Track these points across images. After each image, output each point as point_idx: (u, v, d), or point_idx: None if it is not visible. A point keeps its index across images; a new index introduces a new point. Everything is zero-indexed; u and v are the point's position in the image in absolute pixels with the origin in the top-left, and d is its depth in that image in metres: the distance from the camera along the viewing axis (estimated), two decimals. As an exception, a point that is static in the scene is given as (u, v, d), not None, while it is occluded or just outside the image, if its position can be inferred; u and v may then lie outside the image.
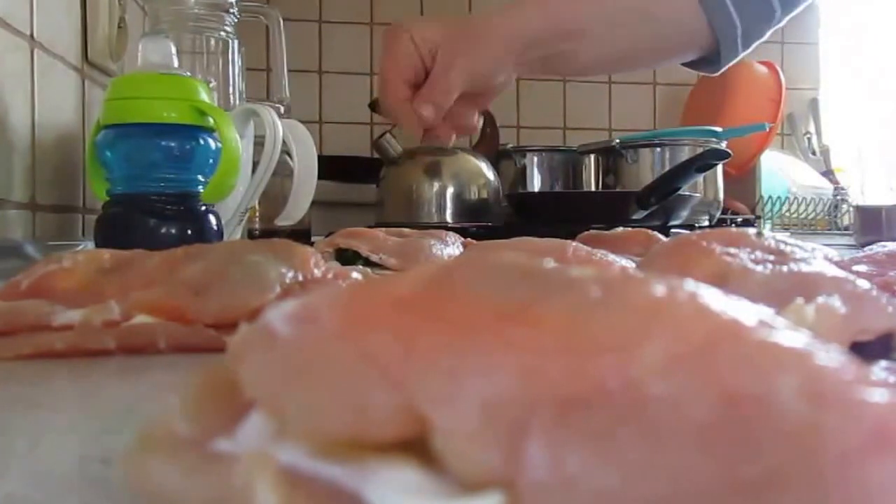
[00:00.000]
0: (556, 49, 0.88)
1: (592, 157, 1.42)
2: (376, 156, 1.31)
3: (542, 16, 0.87)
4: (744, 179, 1.62)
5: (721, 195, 1.42)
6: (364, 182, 1.37)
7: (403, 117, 0.87)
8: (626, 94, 1.78)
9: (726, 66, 0.96)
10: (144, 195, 0.64)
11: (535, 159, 1.48)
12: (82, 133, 0.87)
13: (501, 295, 0.14)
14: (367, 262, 0.63)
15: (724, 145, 1.31)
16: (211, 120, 0.65)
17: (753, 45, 0.94)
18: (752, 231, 0.37)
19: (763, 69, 1.68)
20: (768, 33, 0.94)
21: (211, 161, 0.65)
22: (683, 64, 0.99)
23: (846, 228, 1.62)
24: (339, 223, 0.87)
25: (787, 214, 1.64)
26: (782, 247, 0.35)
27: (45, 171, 0.77)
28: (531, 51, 0.87)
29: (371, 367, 0.13)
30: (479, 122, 0.94)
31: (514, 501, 0.11)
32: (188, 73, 0.67)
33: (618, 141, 1.38)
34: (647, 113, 1.80)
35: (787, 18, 0.93)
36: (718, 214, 1.42)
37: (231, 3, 0.84)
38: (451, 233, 0.73)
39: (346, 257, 0.65)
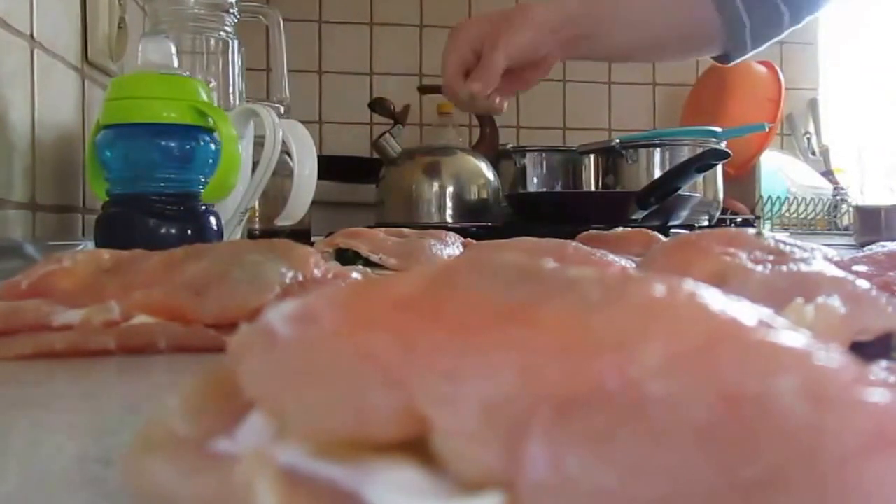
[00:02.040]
0: (590, 30, 1.03)
1: (592, 157, 1.42)
2: (376, 156, 1.31)
3: (578, 2, 1.03)
4: (743, 179, 1.62)
5: (721, 195, 1.41)
6: (364, 182, 1.37)
7: (457, 97, 1.01)
8: (626, 94, 1.78)
9: (736, 62, 1.12)
10: (144, 195, 0.64)
11: (535, 159, 1.47)
12: (82, 133, 0.87)
13: (501, 295, 0.14)
14: (367, 262, 0.63)
15: (723, 145, 1.30)
16: (211, 120, 0.65)
17: (765, 45, 1.08)
18: (751, 231, 0.37)
19: (762, 69, 1.68)
20: (782, 34, 1.07)
21: (211, 161, 0.65)
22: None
23: (846, 228, 1.62)
24: (339, 223, 0.87)
25: (787, 214, 1.64)
26: (782, 247, 0.35)
27: (45, 171, 0.77)
28: (566, 28, 1.01)
29: (371, 367, 0.13)
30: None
31: (514, 501, 0.11)
32: (188, 73, 0.67)
33: (618, 141, 1.38)
34: (646, 113, 1.80)
35: (800, 24, 1.06)
36: (718, 214, 1.42)
37: (231, 3, 0.84)
38: (451, 233, 0.73)
39: (346, 257, 0.65)
